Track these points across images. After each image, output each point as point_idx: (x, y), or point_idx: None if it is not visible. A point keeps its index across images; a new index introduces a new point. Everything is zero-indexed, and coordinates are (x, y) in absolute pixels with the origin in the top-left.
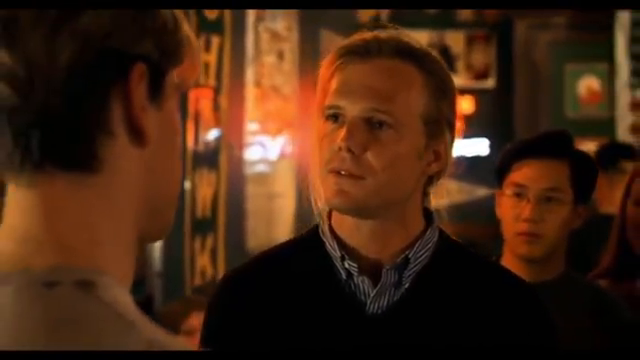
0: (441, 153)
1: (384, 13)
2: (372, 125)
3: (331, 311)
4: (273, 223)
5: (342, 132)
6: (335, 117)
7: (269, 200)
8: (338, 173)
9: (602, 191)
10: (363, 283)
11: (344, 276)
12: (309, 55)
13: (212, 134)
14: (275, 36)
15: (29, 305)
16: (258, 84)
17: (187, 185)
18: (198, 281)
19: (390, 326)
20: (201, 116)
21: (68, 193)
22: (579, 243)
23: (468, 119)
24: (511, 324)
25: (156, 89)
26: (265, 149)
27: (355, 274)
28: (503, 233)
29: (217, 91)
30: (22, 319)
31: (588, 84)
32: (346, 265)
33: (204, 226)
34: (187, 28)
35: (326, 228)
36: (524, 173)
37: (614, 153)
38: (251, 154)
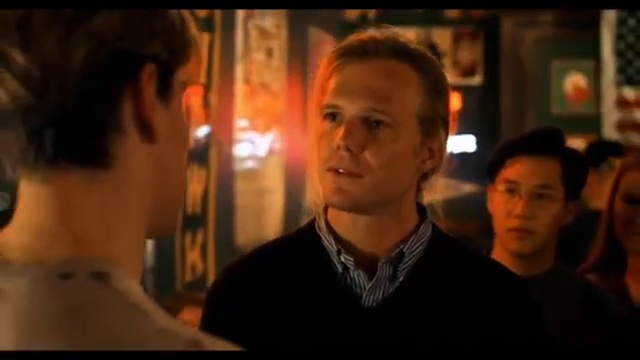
0: (435, 150)
1: (372, 11)
2: (370, 124)
3: (328, 304)
4: (262, 219)
5: (340, 131)
6: (333, 116)
7: (258, 196)
8: (336, 171)
9: (591, 187)
10: (359, 277)
11: (340, 270)
12: (297, 52)
13: (202, 131)
14: (264, 34)
15: (45, 296)
16: (247, 81)
17: None
18: (189, 277)
19: (385, 318)
20: (191, 113)
21: (81, 188)
22: (568, 238)
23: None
24: (502, 316)
25: (165, 88)
26: (254, 145)
27: (351, 268)
28: (494, 228)
29: (207, 88)
30: (38, 309)
31: (574, 81)
32: (342, 259)
33: (194, 222)
34: (194, 27)
35: (322, 223)
36: (516, 170)
37: (603, 150)
38: (240, 150)
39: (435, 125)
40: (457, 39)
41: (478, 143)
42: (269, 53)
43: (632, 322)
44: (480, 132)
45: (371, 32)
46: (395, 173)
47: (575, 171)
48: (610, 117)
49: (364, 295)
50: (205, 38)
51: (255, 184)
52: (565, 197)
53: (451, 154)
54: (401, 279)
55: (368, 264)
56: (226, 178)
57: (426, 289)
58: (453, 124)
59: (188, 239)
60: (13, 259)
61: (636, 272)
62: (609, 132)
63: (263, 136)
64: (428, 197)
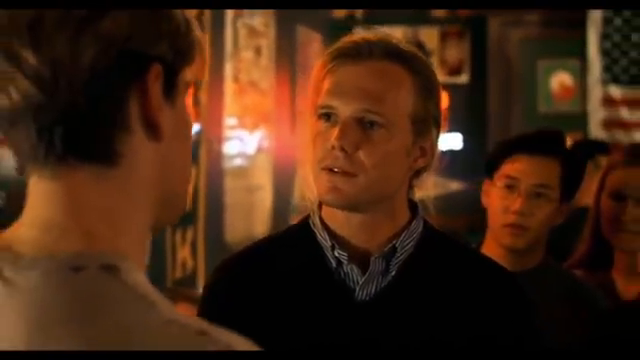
0: (427, 149)
1: (359, 10)
2: (364, 125)
3: (322, 298)
4: (251, 216)
5: (335, 131)
6: (328, 116)
7: (247, 193)
8: (331, 170)
9: None
10: (352, 271)
11: (334, 265)
12: (286, 51)
13: (192, 129)
14: (253, 32)
15: (57, 288)
16: (236, 79)
17: None
18: (179, 273)
19: (378, 312)
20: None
21: (89, 184)
22: (555, 233)
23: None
24: (492, 310)
25: (170, 87)
26: (243, 143)
27: (345, 262)
28: (489, 222)
29: (197, 86)
30: (50, 301)
31: (560, 80)
32: (336, 254)
33: (184, 219)
34: (197, 29)
35: (317, 219)
36: (517, 167)
37: (589, 149)
38: (230, 148)
39: (427, 124)
40: (444, 38)
41: (465, 141)
42: (258, 52)
43: (617, 316)
44: (467, 130)
45: (364, 34)
46: (388, 172)
47: (573, 174)
48: (596, 115)
49: (357, 289)
50: None
51: (244, 181)
52: (560, 198)
53: (442, 152)
54: (393, 273)
55: (361, 259)
56: (216, 176)
57: (418, 283)
58: (444, 123)
59: (178, 236)
60: (24, 253)
61: (622, 268)
62: (595, 130)
63: (252, 134)
64: (420, 194)
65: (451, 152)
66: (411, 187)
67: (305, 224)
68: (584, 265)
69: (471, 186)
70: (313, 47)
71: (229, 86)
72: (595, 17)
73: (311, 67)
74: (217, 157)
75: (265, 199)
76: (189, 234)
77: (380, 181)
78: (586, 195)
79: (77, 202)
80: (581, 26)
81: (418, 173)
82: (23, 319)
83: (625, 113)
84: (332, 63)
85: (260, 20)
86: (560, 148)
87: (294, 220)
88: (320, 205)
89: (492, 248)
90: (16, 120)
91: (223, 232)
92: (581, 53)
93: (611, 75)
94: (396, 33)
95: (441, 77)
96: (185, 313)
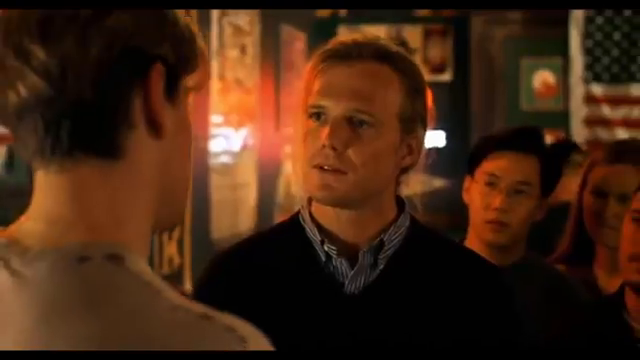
0: (414, 147)
1: (343, 9)
2: (353, 124)
3: (312, 291)
4: (236, 213)
5: (326, 130)
6: (318, 116)
7: (232, 190)
8: (322, 168)
9: None
10: (341, 265)
11: (323, 259)
12: (270, 49)
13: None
14: (238, 31)
15: (64, 278)
16: (222, 77)
17: None
18: (166, 270)
19: (366, 305)
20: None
21: (94, 178)
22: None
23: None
24: (477, 302)
25: (172, 89)
26: (229, 141)
27: (334, 256)
28: (470, 218)
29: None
30: (58, 291)
31: (543, 78)
32: (325, 248)
33: None
34: (201, 42)
35: (307, 215)
36: (498, 164)
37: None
38: (215, 146)
39: (414, 123)
40: (427, 36)
41: (448, 139)
42: (243, 50)
43: (598, 310)
44: (450, 128)
45: (353, 36)
46: (377, 170)
47: (552, 171)
48: (578, 113)
49: (346, 282)
50: None
51: (229, 179)
52: (540, 194)
53: (428, 149)
54: (381, 267)
55: (350, 253)
56: (201, 173)
57: (405, 276)
58: (430, 121)
59: (165, 233)
60: (31, 246)
61: (604, 263)
62: (577, 128)
63: (237, 131)
64: (407, 191)
65: (434, 150)
66: (398, 183)
67: (295, 220)
68: (566, 260)
69: (454, 184)
70: (297, 46)
71: (215, 84)
72: (577, 16)
73: (295, 65)
74: (203, 154)
75: (250, 196)
76: (176, 231)
77: (369, 178)
78: (560, 192)
79: (82, 195)
80: (563, 25)
81: (405, 170)
82: (32, 309)
83: (607, 111)
84: (322, 64)
85: (245, 19)
86: (539, 145)
87: (279, 217)
88: (310, 201)
89: (474, 244)
90: (24, 115)
91: (209, 229)
92: (563, 51)
93: (593, 73)
94: (379, 32)
95: (424, 75)
96: None
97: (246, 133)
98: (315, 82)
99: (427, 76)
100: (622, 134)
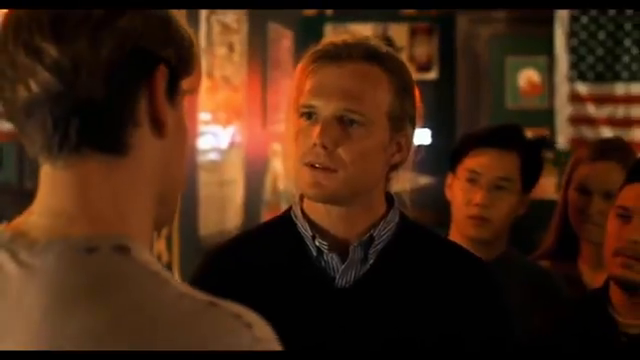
0: (403, 145)
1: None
2: (344, 123)
3: (303, 285)
4: (224, 209)
5: (317, 129)
6: (309, 115)
7: (220, 187)
8: (313, 166)
9: None
10: (332, 260)
11: (315, 253)
12: (257, 47)
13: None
14: (226, 28)
15: (72, 268)
16: (210, 75)
17: None
18: None
19: (357, 298)
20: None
21: (100, 173)
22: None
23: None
24: (466, 295)
25: (172, 90)
26: (216, 138)
27: (325, 251)
28: (452, 214)
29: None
30: (66, 281)
31: (528, 76)
32: (317, 243)
33: None
34: (198, 47)
35: (298, 211)
36: (479, 161)
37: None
38: (203, 143)
39: (403, 122)
40: (413, 35)
41: (433, 136)
42: (230, 48)
43: (584, 304)
44: (436, 125)
45: (343, 36)
46: (367, 167)
47: (533, 166)
48: (563, 111)
49: (337, 277)
50: None
51: (217, 176)
52: (521, 190)
53: (417, 147)
54: (371, 261)
55: (341, 248)
56: (189, 170)
57: (394, 270)
58: (419, 119)
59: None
60: (38, 238)
61: (588, 258)
62: (562, 126)
63: (225, 129)
64: (396, 188)
65: (423, 147)
66: (388, 180)
67: (287, 216)
68: (551, 256)
69: (439, 181)
70: (284, 44)
71: (203, 82)
72: (562, 15)
73: (282, 63)
74: (191, 152)
75: (237, 193)
76: (164, 228)
77: (359, 176)
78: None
79: (88, 190)
80: (548, 24)
81: (395, 167)
82: (42, 298)
83: (592, 109)
84: (313, 64)
85: (233, 17)
86: (519, 142)
87: (266, 214)
88: (301, 197)
89: (456, 240)
90: (32, 111)
91: (197, 226)
92: (548, 50)
93: (578, 72)
94: (366, 30)
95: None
96: None
97: (234, 130)
98: (306, 82)
99: (413, 74)
100: (607, 132)
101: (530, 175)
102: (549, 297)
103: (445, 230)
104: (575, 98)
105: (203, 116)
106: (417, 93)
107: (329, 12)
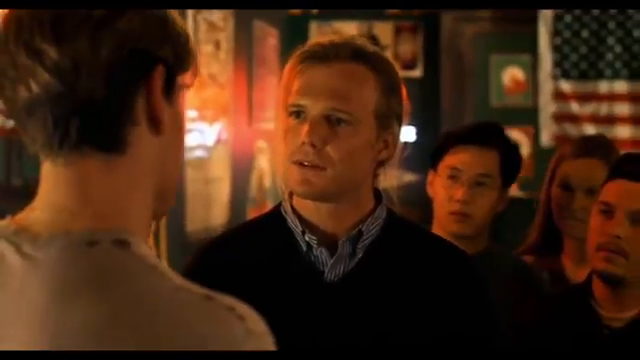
0: (390, 142)
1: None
2: (331, 122)
3: (293, 279)
4: (210, 206)
5: (305, 128)
6: (298, 114)
7: (206, 184)
8: (302, 164)
9: None
10: (321, 254)
11: (304, 248)
12: (243, 44)
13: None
14: (212, 27)
15: (74, 261)
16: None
17: None
18: None
19: (346, 292)
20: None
21: (99, 170)
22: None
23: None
24: (453, 289)
25: (169, 88)
26: (203, 135)
27: (314, 246)
28: (435, 211)
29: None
30: (69, 273)
31: (512, 74)
32: (306, 238)
33: None
34: (193, 43)
35: (288, 207)
36: (459, 158)
37: None
38: (190, 140)
39: (389, 119)
40: (398, 33)
41: (418, 134)
42: (217, 45)
43: (567, 298)
44: (420, 123)
45: (331, 37)
46: (354, 165)
47: (512, 163)
48: (547, 109)
49: (326, 271)
50: None
51: (203, 173)
52: (501, 186)
53: (404, 144)
54: (360, 256)
55: (330, 243)
56: None
57: (382, 264)
58: (406, 116)
59: None
60: (40, 232)
61: (571, 254)
62: (546, 124)
63: (211, 126)
64: (384, 184)
65: (409, 144)
66: (376, 176)
67: (277, 212)
68: (535, 251)
69: (424, 178)
70: (269, 41)
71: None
72: (546, 14)
73: (267, 61)
74: None
75: (223, 190)
76: (152, 225)
77: (347, 173)
78: None
79: (88, 186)
80: (532, 22)
81: (382, 164)
82: (45, 289)
83: (575, 107)
84: (301, 65)
85: (219, 15)
86: (499, 139)
87: (251, 210)
88: (291, 194)
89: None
90: (33, 110)
91: (184, 222)
92: (532, 48)
93: (562, 70)
94: (351, 28)
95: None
96: None
97: (220, 128)
98: (294, 82)
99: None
100: (590, 130)
101: (510, 172)
102: (532, 291)
103: (429, 227)
104: (559, 96)
105: (190, 113)
106: (404, 91)
107: (314, 11)
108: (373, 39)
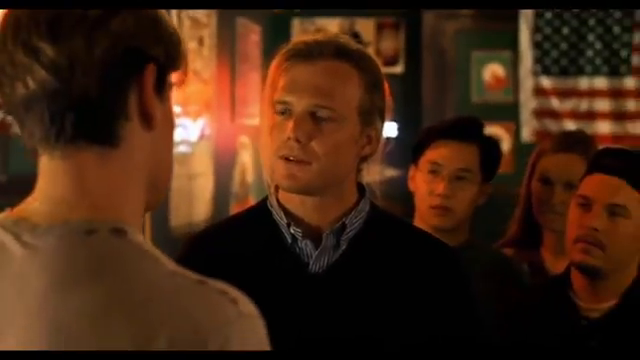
0: (373, 137)
1: None
2: (316, 118)
3: (279, 270)
4: (194, 202)
5: (290, 124)
6: (283, 110)
7: (189, 180)
8: (287, 159)
9: None
10: (306, 246)
11: (290, 241)
12: (226, 41)
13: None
14: (195, 23)
15: (73, 249)
16: None
17: None
18: None
19: (330, 283)
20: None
21: (94, 163)
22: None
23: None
24: (433, 280)
25: (160, 86)
26: (186, 131)
27: (299, 239)
28: (416, 205)
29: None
30: (68, 261)
31: (493, 71)
32: (292, 231)
33: None
34: (184, 42)
35: (274, 201)
36: (440, 153)
37: None
38: (175, 136)
39: (372, 115)
40: (380, 29)
41: (400, 130)
42: (200, 42)
43: (546, 289)
44: (402, 119)
45: (315, 35)
46: (338, 159)
47: (491, 157)
48: (528, 105)
49: (311, 263)
50: None
51: (187, 168)
52: (482, 180)
53: (387, 139)
54: (343, 248)
55: (314, 235)
56: None
57: (365, 256)
58: (389, 112)
59: None
60: (39, 222)
61: (550, 246)
62: (527, 119)
63: (195, 122)
64: (367, 178)
65: (392, 140)
66: (359, 171)
67: (263, 205)
68: (515, 244)
69: (406, 173)
70: (252, 38)
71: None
72: (527, 11)
73: (250, 57)
74: None
75: (206, 185)
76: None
77: (331, 168)
78: None
79: (84, 179)
80: (513, 19)
81: (365, 159)
82: (45, 277)
83: (555, 103)
84: (286, 62)
85: (202, 12)
86: (479, 134)
87: (234, 205)
88: (277, 188)
89: None
90: (31, 106)
91: (168, 217)
92: (513, 45)
93: (542, 66)
94: (333, 25)
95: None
96: None
97: (203, 123)
98: (280, 79)
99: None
100: (570, 125)
101: (489, 166)
102: (511, 282)
103: (410, 221)
104: (539, 92)
105: (174, 109)
106: (386, 88)
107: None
108: (355, 36)
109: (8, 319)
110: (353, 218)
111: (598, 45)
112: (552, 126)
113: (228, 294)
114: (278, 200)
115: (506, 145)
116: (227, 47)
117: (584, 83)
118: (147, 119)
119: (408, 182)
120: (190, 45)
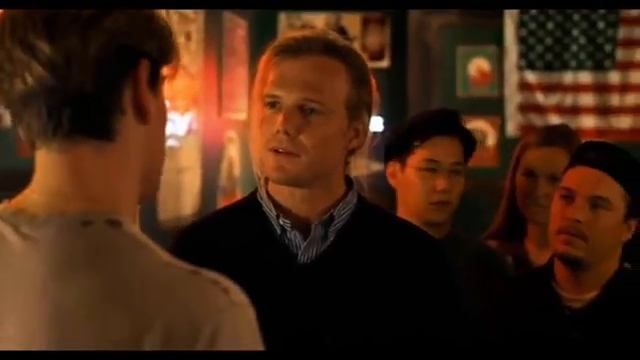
0: (360, 131)
1: None
2: (305, 111)
3: (268, 261)
4: (181, 195)
5: (280, 117)
6: (273, 104)
7: (177, 174)
8: (277, 152)
9: None
10: (295, 237)
11: (279, 232)
12: (213, 36)
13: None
14: (183, 18)
15: (70, 240)
16: None
17: None
18: None
19: (318, 273)
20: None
21: (91, 156)
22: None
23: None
24: (419, 271)
25: (154, 80)
26: (174, 125)
27: (288, 230)
28: (405, 201)
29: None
30: (65, 251)
31: (478, 65)
32: (281, 222)
33: None
34: (175, 36)
35: (263, 193)
36: (436, 150)
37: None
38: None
39: (360, 110)
40: (366, 24)
41: (385, 124)
42: (187, 37)
43: (529, 280)
44: (388, 114)
45: (303, 31)
46: (326, 152)
47: (471, 146)
48: (513, 100)
49: (300, 253)
50: None
51: (175, 162)
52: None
53: (374, 133)
54: (331, 239)
55: (303, 226)
56: None
57: (353, 247)
58: (375, 107)
59: None
60: (37, 214)
61: (534, 238)
62: (512, 114)
63: (182, 116)
64: (354, 172)
65: (379, 134)
66: (347, 164)
67: (253, 198)
68: (500, 236)
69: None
70: (239, 32)
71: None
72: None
73: (237, 51)
74: None
75: (194, 179)
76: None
77: (319, 160)
78: None
79: (81, 172)
80: (498, 15)
81: (352, 152)
82: (43, 267)
83: (540, 98)
84: (276, 57)
85: None
86: (461, 127)
87: (222, 199)
88: (267, 180)
89: None
90: (29, 101)
91: (156, 211)
92: (498, 40)
93: (527, 61)
94: (318, 19)
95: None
96: None
97: (190, 118)
98: (269, 74)
99: None
100: (555, 120)
101: (470, 156)
102: (495, 273)
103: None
104: (524, 87)
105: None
106: (373, 82)
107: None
108: (341, 31)
109: (8, 309)
110: (341, 210)
111: (582, 40)
112: (537, 120)
113: (220, 284)
114: (267, 192)
115: (491, 139)
116: (214, 42)
117: (569, 78)
118: (142, 113)
119: (388, 179)
120: (178, 40)
